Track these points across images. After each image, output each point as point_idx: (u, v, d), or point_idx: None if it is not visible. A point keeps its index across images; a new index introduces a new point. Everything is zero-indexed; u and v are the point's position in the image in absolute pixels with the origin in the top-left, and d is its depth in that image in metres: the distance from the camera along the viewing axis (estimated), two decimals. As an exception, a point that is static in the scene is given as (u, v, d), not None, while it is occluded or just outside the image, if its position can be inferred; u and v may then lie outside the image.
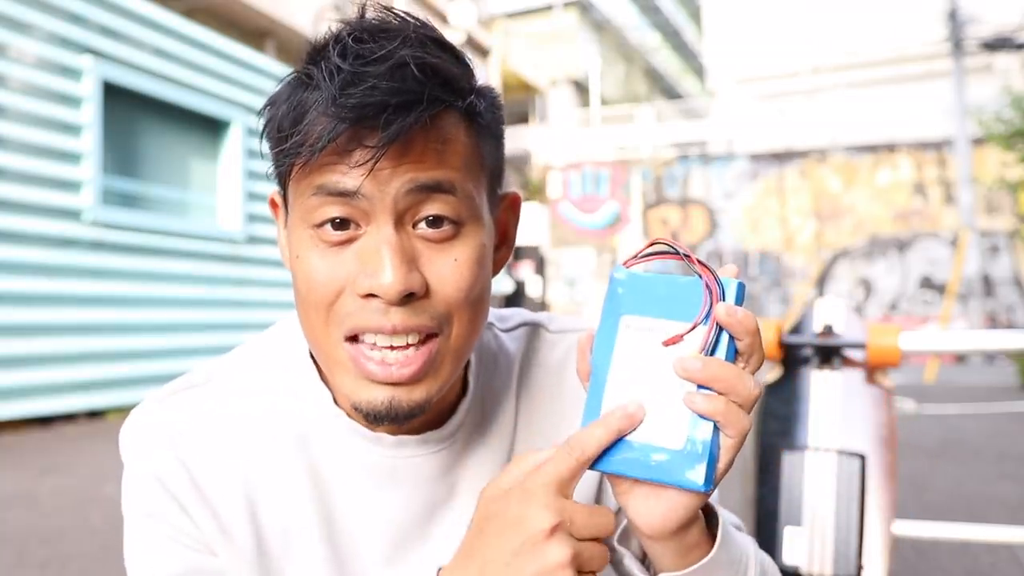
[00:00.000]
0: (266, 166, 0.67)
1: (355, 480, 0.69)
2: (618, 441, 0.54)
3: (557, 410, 0.77)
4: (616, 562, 0.72)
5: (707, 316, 0.53)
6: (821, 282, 17.52)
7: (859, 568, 1.36)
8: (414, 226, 0.61)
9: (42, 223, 5.69)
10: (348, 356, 0.61)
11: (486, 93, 0.65)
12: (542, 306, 11.90)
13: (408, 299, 0.59)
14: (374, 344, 0.60)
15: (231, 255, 7.41)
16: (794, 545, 1.40)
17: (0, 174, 5.44)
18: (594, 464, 0.54)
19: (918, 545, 3.03)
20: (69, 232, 5.89)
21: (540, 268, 12.85)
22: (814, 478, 1.44)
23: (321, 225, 0.60)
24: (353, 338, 0.61)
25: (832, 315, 1.68)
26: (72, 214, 5.93)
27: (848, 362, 1.64)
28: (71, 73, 5.95)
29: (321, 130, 0.57)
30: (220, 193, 7.47)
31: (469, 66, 0.63)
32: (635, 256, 0.56)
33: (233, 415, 0.70)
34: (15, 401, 5.51)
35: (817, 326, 1.67)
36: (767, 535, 1.44)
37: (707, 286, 0.53)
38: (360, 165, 0.57)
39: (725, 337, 0.53)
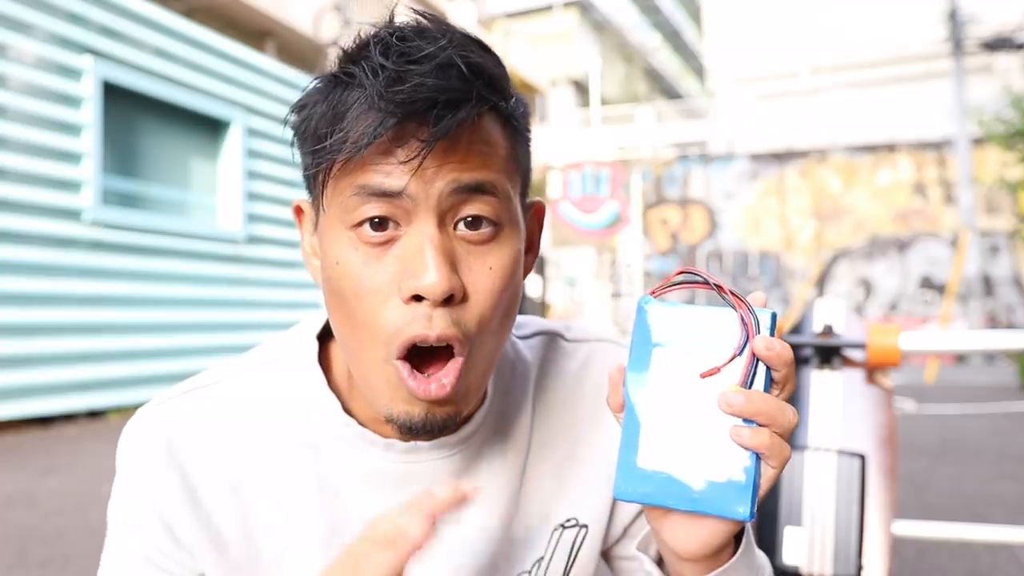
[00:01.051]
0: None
1: (364, 487, 0.69)
2: (657, 474, 0.54)
3: (573, 420, 0.77)
4: (634, 570, 0.73)
5: (743, 347, 0.53)
6: (821, 282, 17.52)
7: (859, 568, 1.36)
8: (454, 227, 0.60)
9: (42, 223, 5.69)
10: (395, 371, 0.60)
11: (519, 98, 0.66)
12: (542, 306, 11.90)
13: (448, 301, 0.59)
14: (416, 353, 0.60)
15: (231, 255, 7.41)
16: (794, 545, 1.40)
17: (0, 174, 5.44)
18: (635, 497, 0.54)
19: (918, 545, 3.03)
20: (69, 232, 5.89)
21: (540, 268, 12.85)
22: (814, 478, 1.44)
23: (359, 225, 0.60)
24: (401, 356, 0.60)
25: (832, 315, 1.68)
26: (72, 214, 5.93)
27: (848, 362, 1.64)
28: (71, 73, 5.95)
29: (366, 126, 0.56)
30: (220, 193, 7.47)
31: (506, 69, 0.63)
32: (663, 286, 0.56)
33: (237, 421, 0.69)
34: (15, 401, 5.51)
35: (817, 326, 1.67)
36: (767, 535, 1.44)
37: (743, 319, 0.54)
38: (406, 163, 0.57)
39: (762, 368, 0.54)
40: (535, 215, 0.72)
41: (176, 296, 6.80)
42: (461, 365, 0.60)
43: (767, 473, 0.54)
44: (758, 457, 0.53)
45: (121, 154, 6.57)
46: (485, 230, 0.61)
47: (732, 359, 0.53)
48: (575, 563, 0.74)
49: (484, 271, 0.61)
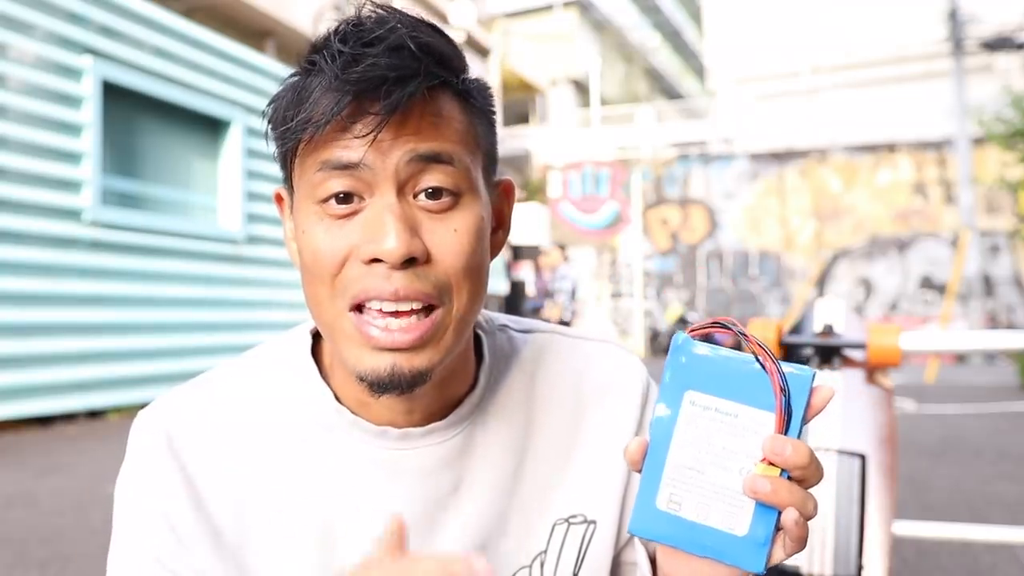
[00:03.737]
0: (267, 166, 0.68)
1: (358, 475, 0.70)
2: (675, 518, 0.54)
3: (576, 415, 0.77)
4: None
5: (787, 410, 0.53)
6: (821, 282, 17.52)
7: (859, 568, 1.36)
8: (415, 197, 0.63)
9: (42, 223, 5.69)
10: (353, 325, 0.63)
11: (478, 80, 0.69)
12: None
13: (410, 264, 0.61)
14: (380, 310, 0.62)
15: (231, 255, 7.41)
16: (794, 545, 1.40)
17: (0, 174, 5.44)
18: (651, 535, 0.54)
19: (918, 545, 3.03)
20: (69, 232, 5.89)
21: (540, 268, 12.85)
22: (814, 478, 1.44)
23: (326, 200, 0.63)
24: (358, 308, 0.63)
25: (832, 315, 1.68)
26: (72, 214, 5.93)
27: (848, 362, 1.64)
28: (71, 73, 5.95)
29: (326, 105, 0.60)
30: (220, 193, 7.47)
31: (459, 50, 0.66)
32: (700, 327, 0.56)
33: (233, 414, 0.71)
34: (15, 401, 5.51)
35: (817, 326, 1.67)
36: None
37: (781, 389, 0.53)
38: (362, 136, 0.60)
39: (796, 425, 0.54)
40: (503, 193, 0.74)
41: (176, 296, 6.80)
42: (435, 318, 0.63)
43: (787, 549, 0.54)
44: (778, 513, 0.53)
45: (121, 154, 6.57)
46: (445, 199, 0.63)
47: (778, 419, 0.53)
48: (585, 561, 0.74)
49: (448, 233, 0.63)
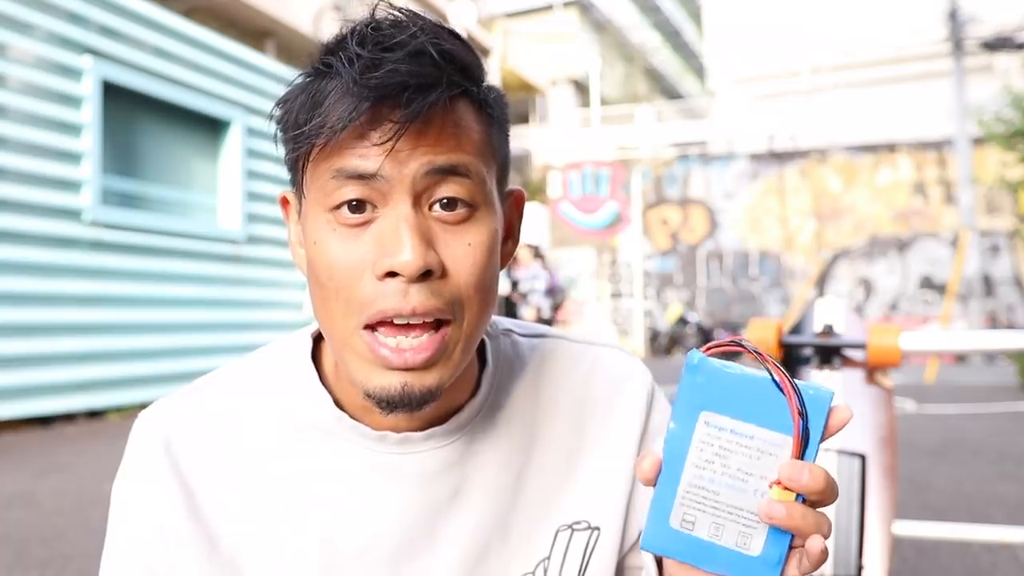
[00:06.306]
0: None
1: (357, 479, 0.69)
2: (688, 536, 0.54)
3: (580, 421, 0.76)
4: None
5: (804, 433, 0.53)
6: (821, 282, 17.52)
7: (859, 568, 1.36)
8: (429, 208, 0.62)
9: (42, 223, 5.69)
10: (365, 344, 0.62)
11: (495, 89, 0.68)
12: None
13: (425, 277, 0.60)
14: (392, 323, 0.61)
15: (231, 255, 7.41)
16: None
17: (0, 174, 5.44)
18: (663, 552, 0.54)
19: (918, 545, 3.03)
20: (69, 232, 5.89)
21: (540, 268, 12.84)
22: (814, 478, 1.44)
23: (338, 208, 0.61)
24: (371, 327, 0.62)
25: (832, 315, 1.68)
26: (72, 214, 5.93)
27: (848, 362, 1.64)
28: (71, 73, 5.95)
29: (343, 110, 0.58)
30: (220, 193, 7.47)
31: (479, 57, 0.65)
32: (715, 346, 0.56)
33: (232, 420, 0.71)
34: (15, 401, 5.51)
35: (817, 326, 1.67)
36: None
37: (799, 413, 0.52)
38: (380, 144, 0.59)
39: (812, 449, 0.53)
40: (514, 203, 0.73)
41: (176, 296, 6.80)
42: (445, 334, 0.62)
43: (803, 569, 0.53)
44: (792, 536, 0.53)
45: (121, 154, 6.57)
46: (460, 211, 0.62)
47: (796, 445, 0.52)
48: (588, 567, 0.74)
49: (463, 247, 0.62)
